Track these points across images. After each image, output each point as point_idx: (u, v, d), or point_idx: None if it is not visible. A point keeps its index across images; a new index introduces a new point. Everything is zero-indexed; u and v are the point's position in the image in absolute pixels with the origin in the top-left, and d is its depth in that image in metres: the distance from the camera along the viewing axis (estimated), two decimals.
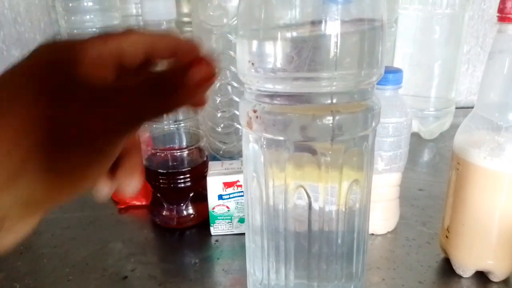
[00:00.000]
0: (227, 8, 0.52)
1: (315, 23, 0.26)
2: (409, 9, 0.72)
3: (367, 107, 0.29)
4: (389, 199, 0.49)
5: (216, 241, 0.50)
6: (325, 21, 0.26)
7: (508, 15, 0.36)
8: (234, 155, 0.60)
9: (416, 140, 0.77)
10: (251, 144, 0.31)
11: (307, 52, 0.26)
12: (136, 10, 0.74)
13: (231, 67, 0.55)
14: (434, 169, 0.67)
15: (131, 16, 0.74)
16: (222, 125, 0.59)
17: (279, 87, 0.28)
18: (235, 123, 0.58)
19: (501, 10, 0.36)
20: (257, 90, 0.29)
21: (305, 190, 0.30)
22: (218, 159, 0.60)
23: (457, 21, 0.71)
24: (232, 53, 0.54)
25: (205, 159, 0.53)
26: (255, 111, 0.29)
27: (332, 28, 0.26)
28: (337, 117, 0.27)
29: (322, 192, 0.30)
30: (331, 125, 0.27)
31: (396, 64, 0.76)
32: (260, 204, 0.32)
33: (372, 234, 0.49)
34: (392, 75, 0.44)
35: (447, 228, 0.43)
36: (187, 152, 0.51)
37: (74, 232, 0.53)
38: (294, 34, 0.27)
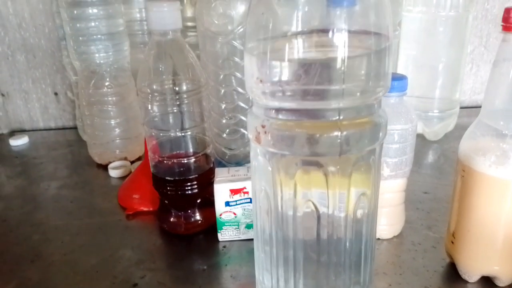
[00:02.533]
0: (232, 15, 0.52)
1: (322, 36, 0.27)
2: (412, 12, 0.71)
3: (374, 121, 0.30)
4: (394, 204, 0.49)
5: (224, 247, 0.51)
6: (333, 37, 0.26)
7: None
8: (240, 160, 0.60)
9: (421, 142, 0.77)
10: (259, 158, 0.32)
11: (314, 70, 0.26)
12: (140, 15, 0.75)
13: (236, 73, 0.55)
14: (439, 171, 0.67)
15: (135, 21, 0.75)
16: (227, 130, 0.59)
17: (287, 104, 0.28)
18: (241, 129, 0.58)
19: (506, 19, 0.36)
20: (265, 105, 0.30)
21: (313, 203, 0.31)
22: (223, 165, 0.61)
23: (461, 23, 0.71)
24: (237, 59, 0.54)
25: (211, 165, 0.53)
26: (263, 126, 0.30)
27: (340, 48, 0.26)
28: (344, 133, 0.28)
29: (330, 205, 0.30)
30: (339, 141, 0.28)
31: (400, 66, 0.76)
32: (269, 215, 0.33)
33: (378, 239, 0.50)
34: (397, 82, 0.44)
35: (453, 233, 0.43)
36: (194, 159, 0.51)
37: (83, 239, 0.53)
38: (302, 53, 0.27)
